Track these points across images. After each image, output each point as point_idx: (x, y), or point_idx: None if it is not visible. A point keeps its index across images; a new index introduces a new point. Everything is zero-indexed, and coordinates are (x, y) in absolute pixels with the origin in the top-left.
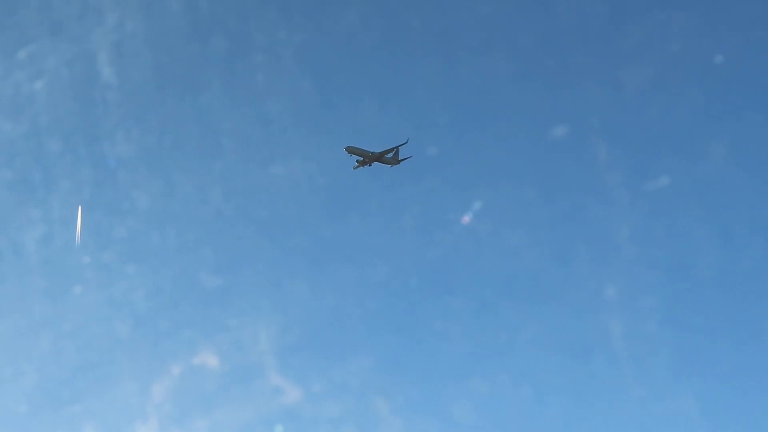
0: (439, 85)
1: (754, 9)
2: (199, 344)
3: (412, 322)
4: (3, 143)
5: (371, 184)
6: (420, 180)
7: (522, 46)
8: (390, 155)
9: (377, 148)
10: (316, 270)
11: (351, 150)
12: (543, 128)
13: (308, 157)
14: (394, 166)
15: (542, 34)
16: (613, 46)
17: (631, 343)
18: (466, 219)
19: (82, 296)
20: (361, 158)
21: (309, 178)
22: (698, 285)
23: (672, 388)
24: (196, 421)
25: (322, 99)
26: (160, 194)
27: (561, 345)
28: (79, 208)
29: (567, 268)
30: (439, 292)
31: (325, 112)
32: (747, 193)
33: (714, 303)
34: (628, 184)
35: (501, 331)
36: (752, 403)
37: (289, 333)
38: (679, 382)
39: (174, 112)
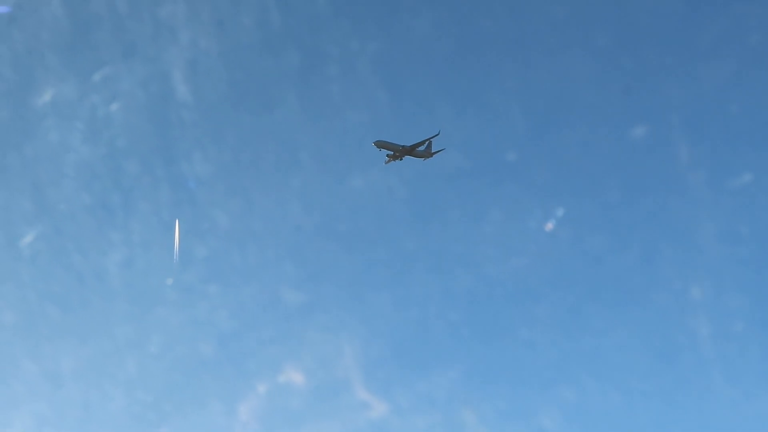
0: (515, 89)
1: None
2: (283, 361)
3: (497, 331)
4: (81, 167)
5: (450, 192)
6: (500, 186)
7: (598, 45)
8: (422, 148)
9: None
10: (398, 281)
11: (380, 144)
12: (623, 128)
13: (386, 168)
14: (427, 159)
15: (618, 32)
16: (690, 42)
17: (720, 343)
18: (550, 226)
19: (165, 318)
20: (392, 152)
21: (388, 189)
22: None
23: (764, 388)
24: None
25: (398, 108)
26: (239, 212)
27: (648, 347)
28: (176, 223)
29: (652, 269)
30: (523, 300)
31: (401, 120)
32: None
33: None
34: (711, 182)
35: (587, 336)
36: None
37: (373, 346)
38: None
39: (250, 128)
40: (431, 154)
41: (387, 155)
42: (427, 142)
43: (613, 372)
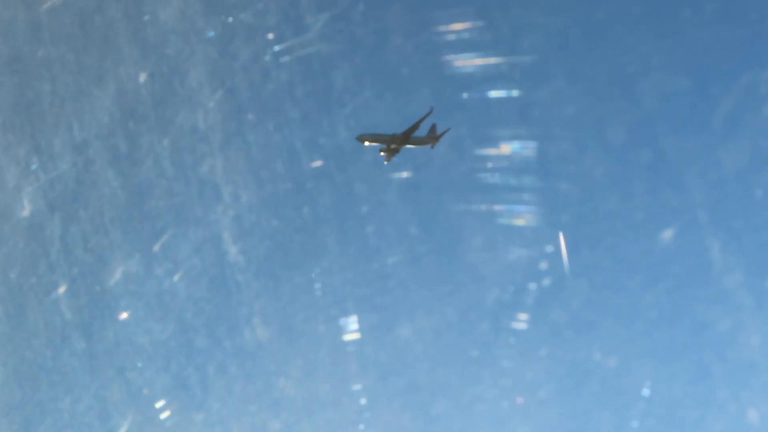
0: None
1: None
2: None
3: None
4: (157, 346)
5: None
6: None
7: None
8: (421, 134)
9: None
10: None
11: (365, 138)
12: None
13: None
14: (435, 146)
15: None
16: None
17: None
18: None
19: None
20: (384, 146)
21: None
22: None
23: None
24: None
25: None
26: (303, 379)
27: None
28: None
29: None
30: None
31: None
32: None
33: None
34: None
35: None
36: None
37: None
38: None
39: (299, 285)
40: (437, 138)
41: (381, 150)
42: (427, 125)
43: None
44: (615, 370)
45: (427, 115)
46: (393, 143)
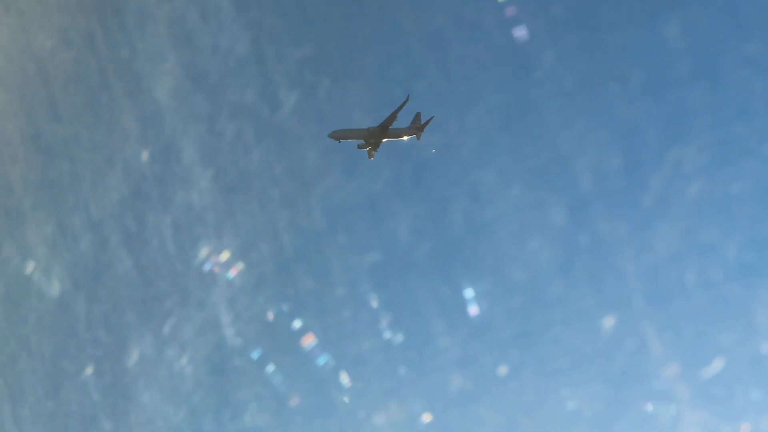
0: None
1: None
2: None
3: None
4: (171, 430)
5: None
6: None
7: None
8: (401, 126)
9: None
10: None
11: (338, 135)
12: None
13: None
14: (421, 136)
15: None
16: None
17: None
18: None
19: None
20: (362, 141)
21: None
22: None
23: None
24: None
25: None
26: None
27: None
28: None
29: None
30: None
31: None
32: None
33: None
34: None
35: None
36: None
37: None
38: None
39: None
40: (421, 128)
41: (359, 146)
42: (411, 115)
43: None
44: None
45: (404, 104)
46: (371, 137)
